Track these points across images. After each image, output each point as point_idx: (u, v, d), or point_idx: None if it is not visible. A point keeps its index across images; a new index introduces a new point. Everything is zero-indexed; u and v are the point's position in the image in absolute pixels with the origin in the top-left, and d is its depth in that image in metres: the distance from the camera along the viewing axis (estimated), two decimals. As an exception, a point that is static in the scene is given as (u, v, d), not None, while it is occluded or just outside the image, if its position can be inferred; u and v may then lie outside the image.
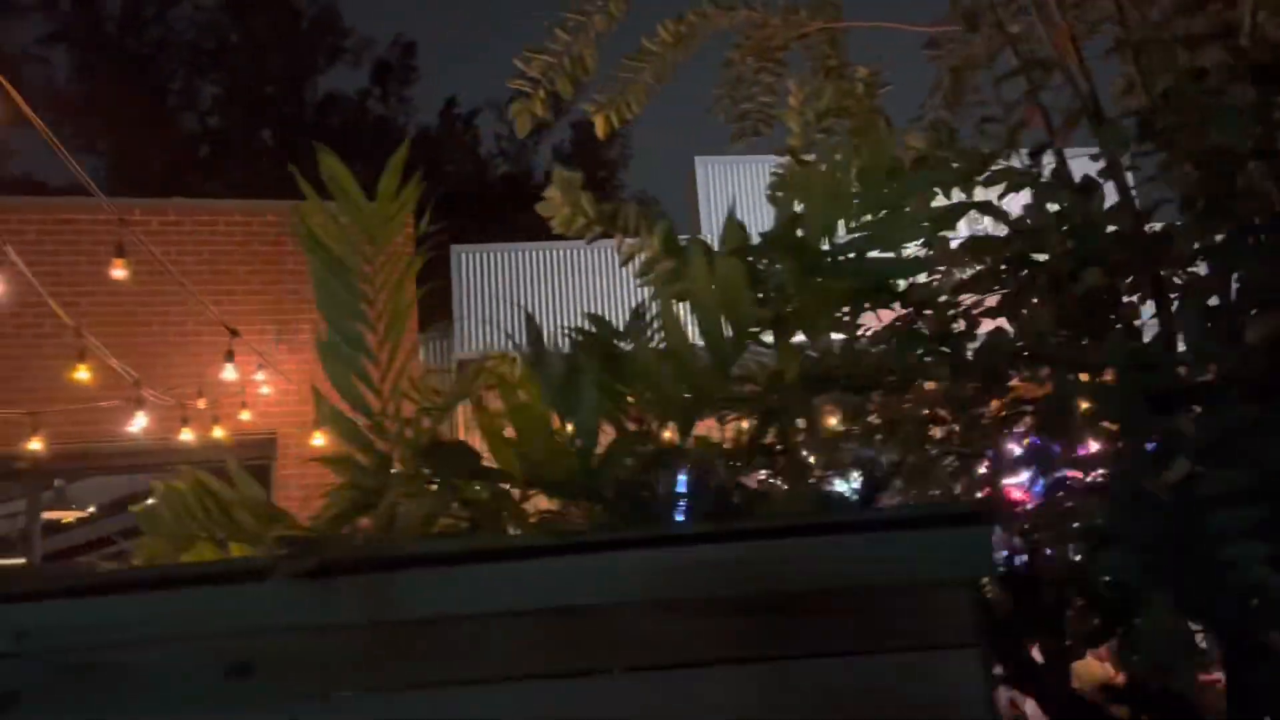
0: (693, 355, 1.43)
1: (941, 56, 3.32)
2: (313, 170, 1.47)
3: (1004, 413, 1.65)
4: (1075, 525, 1.51)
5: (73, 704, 1.13)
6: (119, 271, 5.28)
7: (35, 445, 5.43)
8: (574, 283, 13.11)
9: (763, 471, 1.77)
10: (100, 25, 24.13)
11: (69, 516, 10.25)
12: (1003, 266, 1.65)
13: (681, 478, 1.58)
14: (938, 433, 1.82)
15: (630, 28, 3.21)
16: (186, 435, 6.08)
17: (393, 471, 1.52)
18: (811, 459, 1.63)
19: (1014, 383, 1.66)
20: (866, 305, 1.47)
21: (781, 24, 2.98)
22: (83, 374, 5.06)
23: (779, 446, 1.72)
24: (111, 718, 1.14)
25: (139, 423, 5.80)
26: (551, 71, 2.66)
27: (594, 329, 1.73)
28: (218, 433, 6.17)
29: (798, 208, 1.49)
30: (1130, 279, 1.66)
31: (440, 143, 25.61)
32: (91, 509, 11.05)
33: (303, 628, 1.16)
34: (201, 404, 6.28)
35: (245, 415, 6.61)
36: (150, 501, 1.68)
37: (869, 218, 1.45)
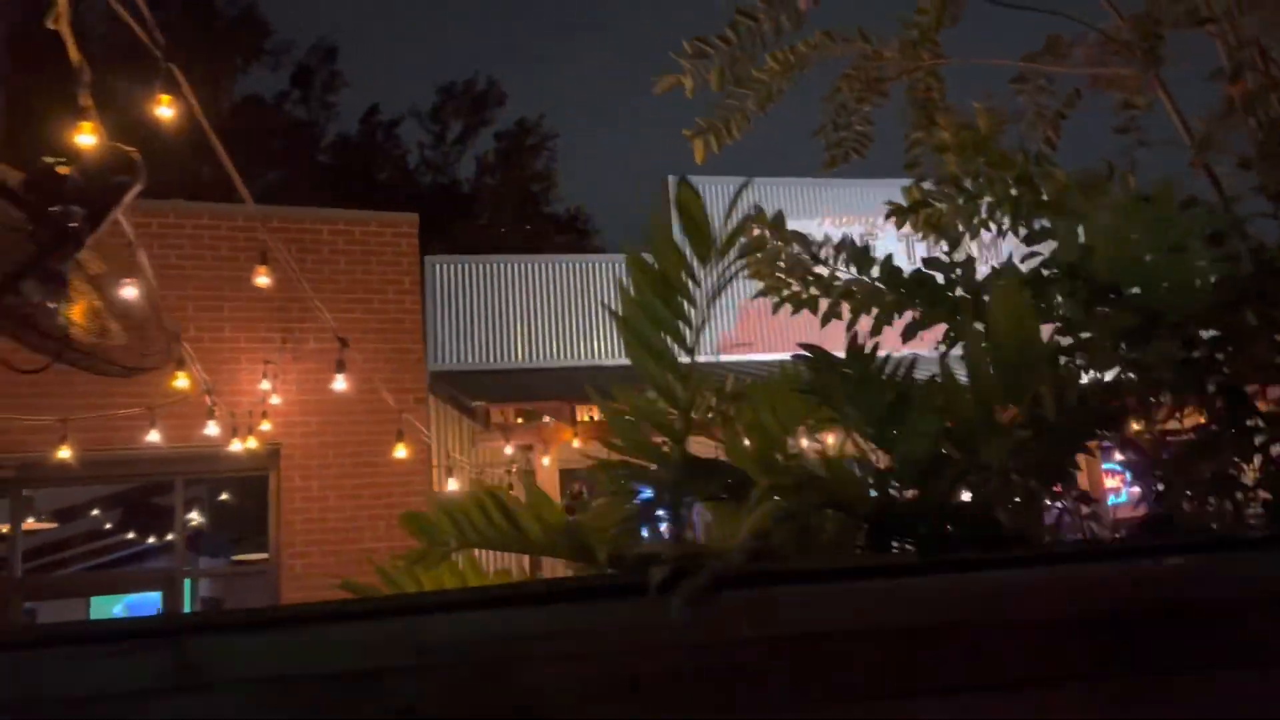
0: (991, 384, 1.48)
1: (1027, 91, 3.46)
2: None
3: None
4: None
5: (472, 720, 1.13)
6: (263, 279, 5.16)
7: (64, 453, 5.27)
8: (549, 294, 13.09)
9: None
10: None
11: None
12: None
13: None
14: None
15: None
16: (236, 446, 5.94)
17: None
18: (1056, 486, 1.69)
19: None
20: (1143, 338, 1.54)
21: (899, 56, 3.08)
22: (182, 382, 4.92)
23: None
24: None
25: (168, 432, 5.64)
26: (704, 64, 2.73)
27: (815, 357, 1.77)
28: (252, 443, 6.04)
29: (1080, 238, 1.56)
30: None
31: (367, 152, 24.96)
32: (31, 519, 10.67)
33: (691, 644, 1.18)
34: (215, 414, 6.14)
35: (266, 425, 6.48)
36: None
37: (1152, 253, 1.53)
